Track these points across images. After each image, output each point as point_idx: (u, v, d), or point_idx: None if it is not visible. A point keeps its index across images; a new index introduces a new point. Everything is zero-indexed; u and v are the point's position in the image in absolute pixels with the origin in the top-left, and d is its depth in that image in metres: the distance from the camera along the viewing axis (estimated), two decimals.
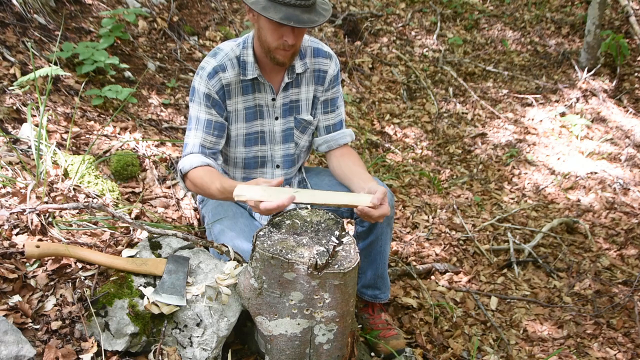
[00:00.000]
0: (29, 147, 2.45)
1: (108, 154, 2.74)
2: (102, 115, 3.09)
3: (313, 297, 1.63)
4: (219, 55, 2.08)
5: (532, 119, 5.72)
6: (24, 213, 1.96)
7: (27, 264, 1.84)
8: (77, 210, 2.12)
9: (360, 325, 2.49)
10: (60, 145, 2.57)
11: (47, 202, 2.10)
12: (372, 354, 2.39)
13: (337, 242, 1.69)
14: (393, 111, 5.34)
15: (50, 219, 2.03)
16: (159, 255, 1.86)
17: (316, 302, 1.64)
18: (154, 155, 2.92)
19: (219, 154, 2.15)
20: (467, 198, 4.29)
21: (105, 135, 2.89)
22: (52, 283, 1.80)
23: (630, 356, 2.80)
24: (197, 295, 1.75)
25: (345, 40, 5.79)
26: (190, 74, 4.04)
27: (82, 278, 1.82)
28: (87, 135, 2.82)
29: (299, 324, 1.67)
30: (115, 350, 1.68)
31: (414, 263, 3.28)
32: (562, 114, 5.78)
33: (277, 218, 1.79)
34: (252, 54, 2.08)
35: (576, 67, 6.48)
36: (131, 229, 2.19)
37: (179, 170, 2.09)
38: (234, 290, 1.77)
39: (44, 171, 2.21)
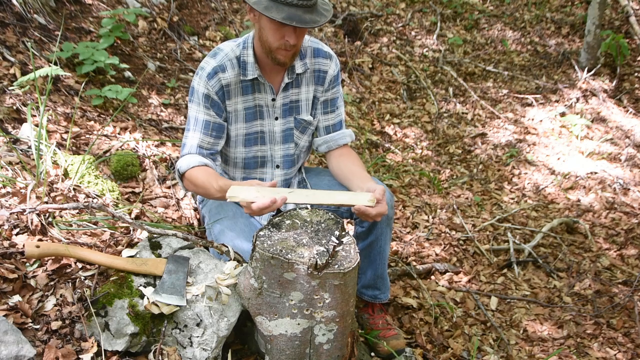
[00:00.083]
0: (29, 147, 2.45)
1: (108, 154, 2.74)
2: (102, 115, 3.09)
3: (313, 297, 1.63)
4: (218, 55, 2.08)
5: (532, 119, 5.72)
6: (24, 213, 1.96)
7: (27, 264, 1.84)
8: (77, 210, 2.12)
9: (360, 327, 2.49)
10: (60, 145, 2.57)
11: (47, 202, 2.10)
12: (372, 354, 2.39)
13: (337, 242, 1.69)
14: (393, 111, 5.34)
15: (50, 219, 2.03)
16: (159, 255, 1.86)
17: (316, 302, 1.64)
18: (154, 155, 2.92)
19: (217, 155, 2.15)
20: (467, 198, 4.29)
21: (105, 135, 2.89)
22: (52, 283, 1.80)
23: (630, 356, 2.80)
24: (197, 295, 1.75)
25: (345, 40, 5.79)
26: (190, 74, 4.04)
27: (82, 278, 1.82)
28: (87, 135, 2.82)
29: (299, 324, 1.67)
30: (115, 350, 1.68)
31: (414, 263, 3.28)
32: (562, 114, 5.78)
33: (277, 218, 1.79)
34: (252, 54, 2.07)
35: (576, 67, 6.48)
36: (131, 229, 2.19)
37: (177, 170, 2.10)
38: (234, 290, 1.77)
39: (44, 171, 2.21)
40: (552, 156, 5.14)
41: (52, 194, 2.19)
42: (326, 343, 1.71)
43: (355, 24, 6.10)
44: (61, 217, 2.11)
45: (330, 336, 1.71)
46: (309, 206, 1.85)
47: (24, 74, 2.97)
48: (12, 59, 3.05)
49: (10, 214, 1.96)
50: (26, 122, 2.60)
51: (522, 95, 6.06)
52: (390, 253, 3.23)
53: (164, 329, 1.71)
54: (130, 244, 2.03)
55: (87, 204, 1.93)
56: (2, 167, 2.22)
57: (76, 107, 2.96)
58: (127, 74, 3.61)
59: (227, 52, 2.08)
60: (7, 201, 2.05)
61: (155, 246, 1.90)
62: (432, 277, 3.24)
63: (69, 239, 2.00)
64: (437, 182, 4.38)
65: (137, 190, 2.66)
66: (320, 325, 1.68)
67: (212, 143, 2.11)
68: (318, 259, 1.59)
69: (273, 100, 2.16)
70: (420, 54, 6.29)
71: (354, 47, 5.80)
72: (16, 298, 1.71)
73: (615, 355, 2.80)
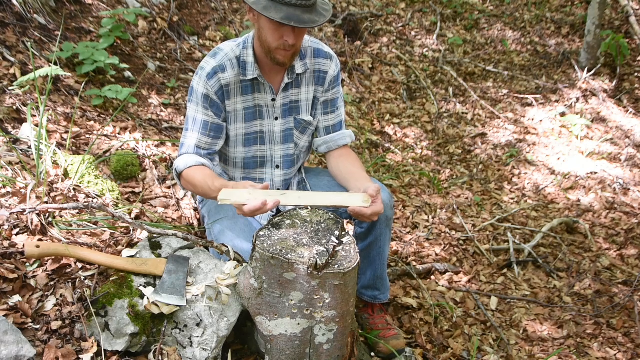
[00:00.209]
0: (29, 147, 2.45)
1: (108, 154, 2.74)
2: (102, 115, 3.10)
3: (313, 297, 1.63)
4: (218, 55, 2.08)
5: (532, 119, 5.72)
6: (24, 213, 1.96)
7: (27, 264, 1.84)
8: (77, 210, 2.12)
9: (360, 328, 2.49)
10: (60, 145, 2.57)
11: (47, 202, 2.10)
12: (372, 354, 2.39)
13: (337, 242, 1.69)
14: (393, 111, 5.35)
15: (50, 219, 2.03)
16: (159, 255, 1.87)
17: (316, 302, 1.64)
18: (154, 155, 2.92)
19: (215, 155, 2.15)
20: (467, 198, 4.29)
21: (105, 135, 2.89)
22: (52, 283, 1.80)
23: (630, 356, 2.80)
24: (197, 295, 1.75)
25: (345, 40, 5.80)
26: (190, 74, 4.05)
27: (82, 278, 1.82)
28: (87, 135, 2.82)
29: (299, 324, 1.67)
30: (115, 350, 1.68)
31: (414, 263, 3.28)
32: (562, 114, 5.78)
33: (277, 218, 1.79)
34: (252, 54, 2.07)
35: (576, 67, 6.48)
36: (131, 229, 2.19)
37: (174, 170, 2.10)
38: (234, 290, 1.77)
39: (44, 171, 2.21)
40: (552, 156, 5.14)
41: (52, 194, 2.19)
42: (326, 343, 1.71)
43: (355, 24, 6.10)
44: (61, 217, 2.11)
45: (330, 336, 1.71)
46: (308, 207, 1.85)
47: (24, 74, 2.97)
48: (12, 59, 3.05)
49: (10, 214, 1.96)
50: (26, 122, 2.60)
51: (522, 95, 6.06)
52: (390, 253, 3.23)
53: (164, 329, 1.71)
54: (130, 244, 2.03)
55: (87, 204, 1.93)
56: (2, 167, 2.22)
57: (76, 107, 2.96)
58: (127, 74, 3.61)
59: (227, 52, 2.08)
60: (7, 201, 2.05)
61: (155, 246, 1.90)
62: (432, 277, 3.24)
63: (69, 239, 2.00)
64: (437, 182, 4.38)
65: (137, 190, 2.66)
66: (320, 325, 1.68)
67: (210, 143, 2.11)
68: (318, 259, 1.59)
69: (273, 100, 2.16)
70: (420, 54, 6.29)
71: (354, 47, 5.81)
72: (16, 298, 1.71)
73: (615, 355, 2.80)
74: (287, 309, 1.66)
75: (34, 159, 2.29)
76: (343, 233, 1.75)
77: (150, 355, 1.70)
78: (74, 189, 2.31)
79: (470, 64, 6.34)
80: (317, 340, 1.70)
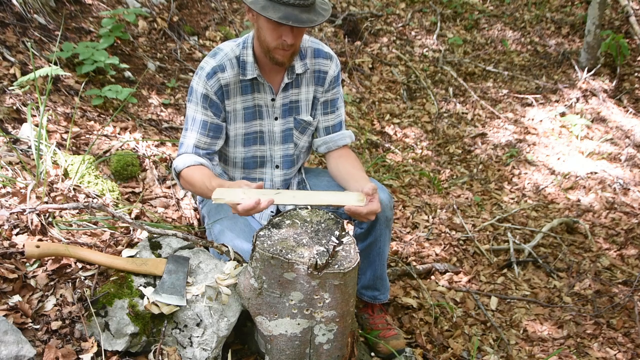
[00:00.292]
0: (29, 147, 2.45)
1: (108, 154, 2.74)
2: (102, 115, 3.10)
3: (313, 297, 1.63)
4: (218, 55, 2.08)
5: (532, 119, 5.72)
6: (24, 213, 1.96)
7: (27, 264, 1.84)
8: (77, 210, 2.12)
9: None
10: (60, 145, 2.57)
11: (47, 202, 2.10)
12: (372, 354, 2.39)
13: (337, 242, 1.69)
14: (393, 111, 5.35)
15: (50, 219, 2.03)
16: (159, 255, 1.87)
17: (316, 302, 1.64)
18: (154, 155, 2.92)
19: (214, 155, 2.15)
20: (467, 198, 4.29)
21: (105, 135, 2.89)
22: (52, 283, 1.80)
23: (630, 356, 2.80)
24: (197, 295, 1.75)
25: (345, 40, 5.79)
26: (190, 74, 4.05)
27: (82, 278, 1.82)
28: (87, 135, 2.82)
29: (299, 324, 1.67)
30: (115, 350, 1.68)
31: (414, 263, 3.28)
32: (562, 114, 5.78)
33: (277, 218, 1.79)
34: (251, 54, 2.07)
35: (576, 67, 6.48)
36: (131, 229, 2.19)
37: (173, 169, 2.10)
38: (234, 290, 1.77)
39: (44, 171, 2.21)
40: (552, 156, 5.14)
41: (52, 194, 2.19)
42: (326, 343, 1.71)
43: (355, 24, 6.10)
44: (61, 217, 2.11)
45: (330, 336, 1.71)
46: (309, 206, 1.85)
47: (24, 74, 2.97)
48: (12, 59, 3.05)
49: (10, 214, 1.96)
50: (26, 122, 2.60)
51: (522, 95, 6.06)
52: (390, 253, 3.23)
53: (164, 329, 1.71)
54: (130, 244, 2.03)
55: (87, 204, 1.93)
56: (2, 167, 2.22)
57: (76, 107, 2.96)
58: (127, 74, 3.61)
59: (227, 52, 2.08)
60: (7, 201, 2.05)
61: (155, 246, 1.90)
62: (432, 277, 3.24)
63: (69, 239, 2.00)
64: (437, 182, 4.38)
65: (137, 190, 2.66)
66: (320, 325, 1.68)
67: (209, 143, 2.11)
68: (318, 259, 1.59)
69: (273, 100, 2.16)
70: (420, 54, 6.29)
71: (354, 47, 5.81)
72: (16, 298, 1.71)
73: (615, 355, 2.80)
74: (287, 309, 1.66)
75: (34, 159, 2.29)
76: (343, 233, 1.75)
77: (150, 355, 1.70)
78: (74, 189, 2.31)
79: (470, 64, 6.34)
80: (317, 340, 1.70)
